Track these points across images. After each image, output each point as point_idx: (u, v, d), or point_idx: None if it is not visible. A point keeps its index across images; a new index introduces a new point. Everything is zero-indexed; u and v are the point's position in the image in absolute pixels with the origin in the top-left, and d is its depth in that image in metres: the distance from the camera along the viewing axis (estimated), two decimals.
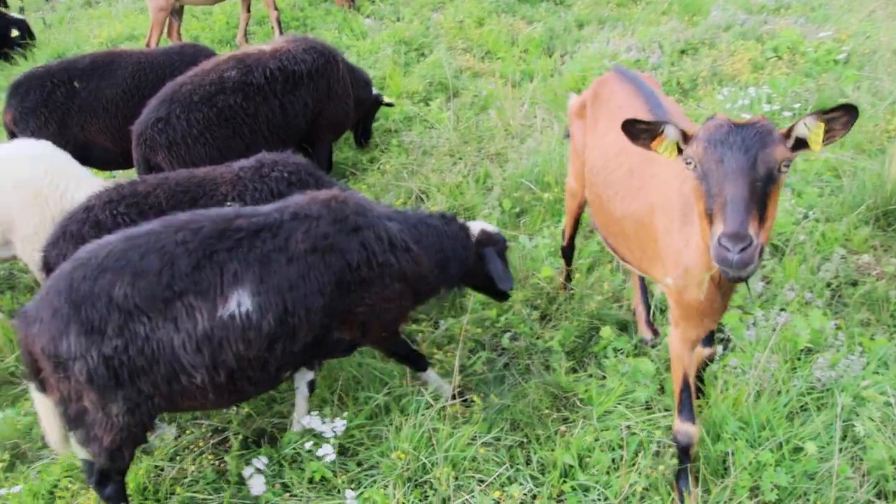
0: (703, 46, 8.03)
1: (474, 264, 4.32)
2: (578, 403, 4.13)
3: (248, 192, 4.34)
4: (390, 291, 3.82)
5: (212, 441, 4.30)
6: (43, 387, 3.34)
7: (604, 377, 4.28)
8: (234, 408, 4.46)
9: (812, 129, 2.54)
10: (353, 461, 3.94)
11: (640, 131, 2.77)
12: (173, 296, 3.22)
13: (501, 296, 4.62)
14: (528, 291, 5.14)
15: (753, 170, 2.45)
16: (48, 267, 4.20)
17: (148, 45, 9.65)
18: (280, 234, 3.48)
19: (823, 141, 2.55)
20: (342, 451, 3.98)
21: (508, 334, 4.82)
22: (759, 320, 4.34)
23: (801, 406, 3.83)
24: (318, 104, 6.02)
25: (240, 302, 3.30)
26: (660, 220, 3.30)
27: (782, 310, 4.43)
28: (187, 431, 4.41)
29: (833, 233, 5.00)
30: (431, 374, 4.30)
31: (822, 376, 3.90)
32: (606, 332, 4.51)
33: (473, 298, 5.07)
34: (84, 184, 5.21)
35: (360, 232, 3.66)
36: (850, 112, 2.50)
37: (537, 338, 4.76)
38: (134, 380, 3.23)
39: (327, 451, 3.81)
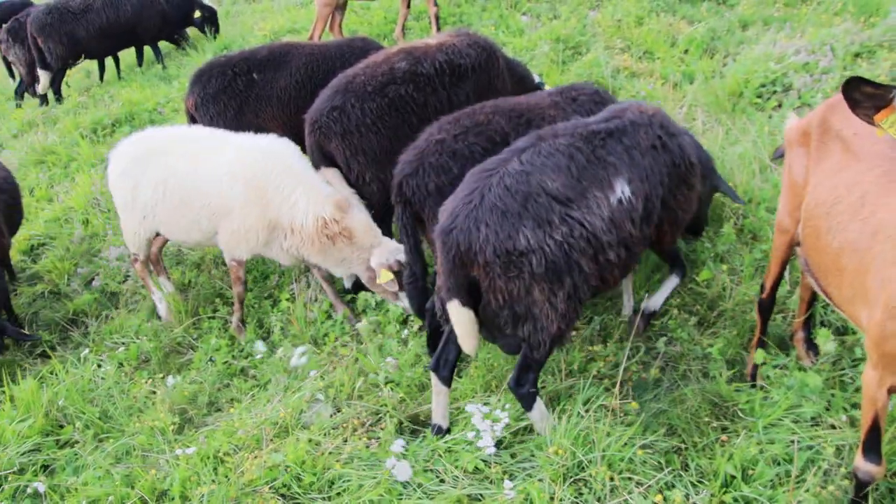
0: (881, 49, 7.56)
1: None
2: (740, 414, 4.01)
3: (568, 114, 4.86)
4: (691, 193, 4.38)
5: (367, 422, 4.48)
6: (468, 300, 3.72)
7: (765, 388, 4.13)
8: (388, 391, 4.62)
9: None
10: (507, 453, 3.99)
11: (865, 96, 2.44)
12: (584, 187, 3.77)
13: (699, 231, 5.18)
14: (685, 296, 5.03)
15: None
16: (404, 197, 4.61)
17: (311, 38, 10.06)
18: (629, 134, 4.05)
19: None
20: (496, 442, 4.03)
21: (664, 338, 4.74)
22: None
23: None
24: (479, 98, 6.08)
25: (622, 189, 3.88)
26: (882, 248, 2.94)
27: None
28: (341, 411, 4.60)
29: None
30: (671, 286, 4.72)
31: None
32: (759, 355, 4.29)
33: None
34: (314, 192, 5.37)
35: (677, 137, 4.25)
36: None
37: (695, 344, 4.65)
38: (578, 262, 3.70)
39: (487, 444, 3.88)
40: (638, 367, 4.55)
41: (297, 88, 6.57)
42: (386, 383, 4.69)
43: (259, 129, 6.59)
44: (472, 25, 9.74)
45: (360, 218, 5.45)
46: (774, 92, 7.41)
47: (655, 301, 4.77)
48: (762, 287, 4.29)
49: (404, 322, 5.31)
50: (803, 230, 3.66)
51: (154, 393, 5.19)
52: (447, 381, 4.14)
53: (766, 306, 4.30)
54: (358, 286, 5.85)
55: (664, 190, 4.13)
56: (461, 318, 3.73)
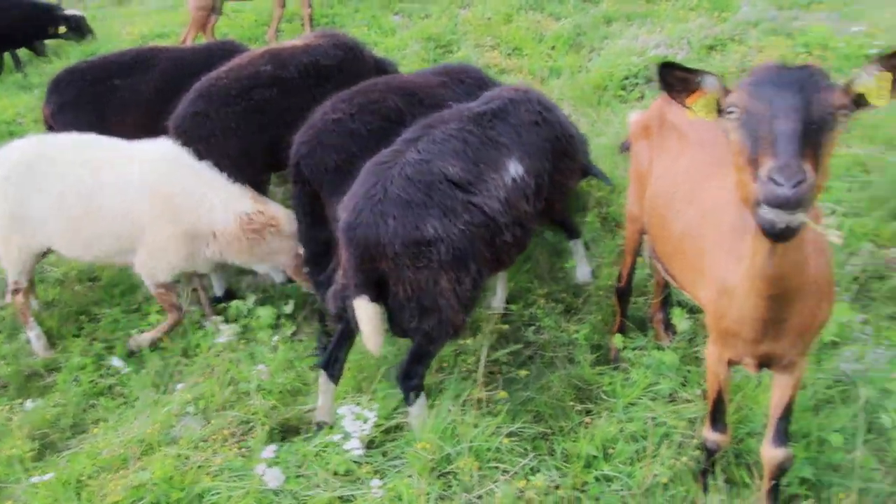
0: (731, 42, 7.98)
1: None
2: (602, 396, 4.15)
3: (457, 95, 4.94)
4: (574, 164, 4.58)
5: (238, 432, 4.38)
6: (376, 295, 3.64)
7: (626, 369, 4.29)
8: (260, 399, 4.53)
9: (877, 79, 2.26)
10: (378, 452, 3.98)
11: (678, 81, 2.50)
12: (480, 170, 3.79)
13: (574, 232, 5.10)
14: (552, 285, 5.16)
15: (808, 109, 2.15)
16: (302, 177, 4.59)
17: (183, 41, 9.77)
18: (512, 113, 4.12)
19: (892, 92, 2.27)
20: (367, 442, 4.02)
21: (532, 327, 4.85)
22: None
23: (827, 399, 3.82)
24: None
25: (515, 168, 3.93)
26: (709, 232, 3.12)
27: None
28: (211, 422, 4.48)
29: (861, 228, 4.96)
30: (581, 247, 5.08)
31: (848, 369, 3.88)
32: (618, 339, 4.45)
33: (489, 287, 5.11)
34: (226, 191, 5.14)
35: (554, 111, 4.42)
36: None
37: (562, 331, 4.78)
38: (479, 247, 3.72)
39: (354, 446, 3.85)
40: (508, 357, 4.63)
41: (162, 93, 6.33)
42: (258, 391, 4.60)
43: (121, 135, 6.35)
44: (344, 26, 9.70)
45: (277, 206, 5.33)
46: (637, 84, 7.72)
47: (583, 270, 5.09)
48: (619, 275, 4.44)
49: (275, 328, 5.23)
50: (649, 219, 3.82)
51: (11, 420, 4.91)
52: (336, 379, 4.14)
53: (624, 292, 4.47)
54: (229, 294, 5.74)
55: (550, 164, 4.23)
56: (369, 315, 3.67)
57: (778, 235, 2.20)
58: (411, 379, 3.86)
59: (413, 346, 3.88)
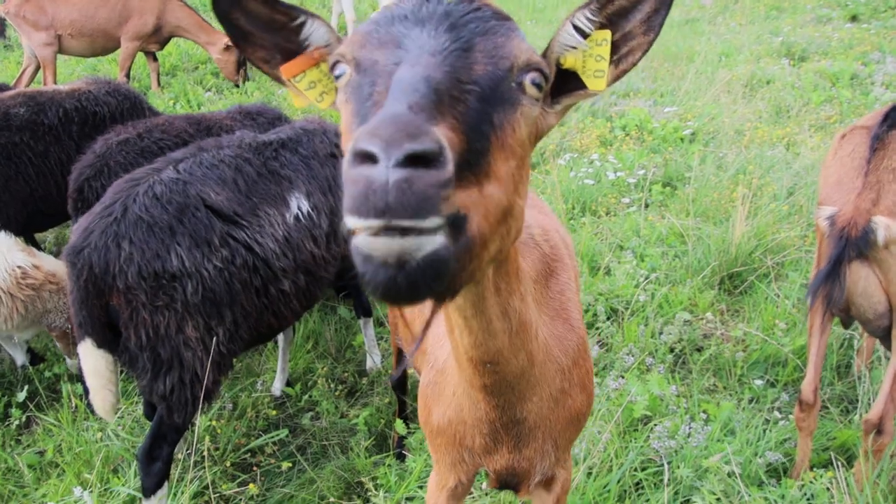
0: None
1: None
2: (373, 489, 3.33)
3: (246, 129, 4.44)
4: None
5: None
6: (105, 340, 2.90)
7: (405, 458, 3.52)
8: None
9: (591, 42, 1.29)
10: None
11: (256, 24, 1.35)
12: (254, 203, 3.18)
13: (365, 308, 4.38)
14: (337, 365, 4.38)
15: (462, 58, 1.12)
16: (86, 203, 3.84)
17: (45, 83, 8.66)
18: (304, 143, 3.56)
19: (612, 63, 1.29)
20: None
21: (311, 413, 4.02)
22: None
23: (636, 483, 3.18)
24: None
25: (299, 204, 3.34)
26: None
27: (621, 376, 3.84)
28: None
29: (677, 296, 4.52)
30: (371, 329, 4.37)
31: (660, 447, 3.27)
32: (399, 425, 3.66)
33: (270, 368, 4.28)
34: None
35: None
36: None
37: (342, 416, 3.98)
38: (243, 293, 3.07)
39: None
40: (274, 447, 3.76)
41: None
42: None
43: None
44: (150, 98, 8.86)
45: (52, 259, 4.37)
46: None
47: (372, 357, 4.35)
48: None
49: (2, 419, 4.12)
50: None
51: None
52: None
53: (399, 381, 3.74)
54: None
55: None
56: (95, 364, 2.90)
57: (385, 288, 0.93)
58: (153, 462, 3.01)
59: (155, 416, 3.04)
